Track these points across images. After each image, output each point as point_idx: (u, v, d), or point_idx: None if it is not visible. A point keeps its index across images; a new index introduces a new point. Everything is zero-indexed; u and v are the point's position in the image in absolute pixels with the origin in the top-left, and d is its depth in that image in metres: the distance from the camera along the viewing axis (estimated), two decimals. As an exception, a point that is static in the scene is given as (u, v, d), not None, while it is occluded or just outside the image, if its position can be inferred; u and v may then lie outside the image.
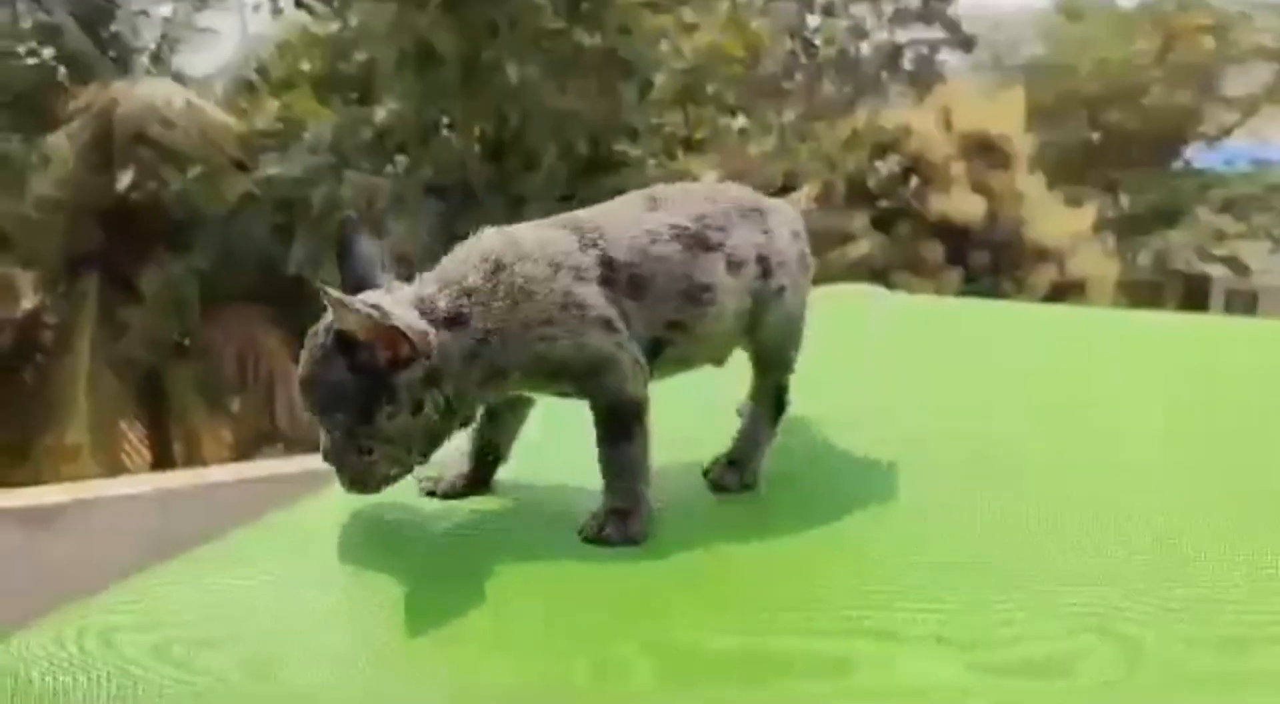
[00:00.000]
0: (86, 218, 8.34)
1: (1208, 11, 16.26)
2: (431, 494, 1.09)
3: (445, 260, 1.01)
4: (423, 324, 0.94)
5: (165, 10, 9.83)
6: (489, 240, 1.01)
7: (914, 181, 12.59)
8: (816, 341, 1.17)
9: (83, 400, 8.07)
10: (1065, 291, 12.42)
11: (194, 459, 8.53)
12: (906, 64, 16.79)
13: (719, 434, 1.15)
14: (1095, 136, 16.47)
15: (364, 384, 0.93)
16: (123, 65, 9.28)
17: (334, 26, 9.68)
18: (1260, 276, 15.66)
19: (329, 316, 0.94)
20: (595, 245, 1.02)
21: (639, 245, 1.03)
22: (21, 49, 8.93)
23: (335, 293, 0.89)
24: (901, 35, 16.61)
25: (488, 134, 8.86)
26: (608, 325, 1.00)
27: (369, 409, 0.94)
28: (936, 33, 16.53)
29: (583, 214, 1.07)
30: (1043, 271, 12.67)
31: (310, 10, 9.66)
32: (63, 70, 8.95)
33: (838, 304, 1.97)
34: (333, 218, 7.28)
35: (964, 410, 1.40)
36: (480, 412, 1.05)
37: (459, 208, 8.33)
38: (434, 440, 0.98)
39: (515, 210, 8.07)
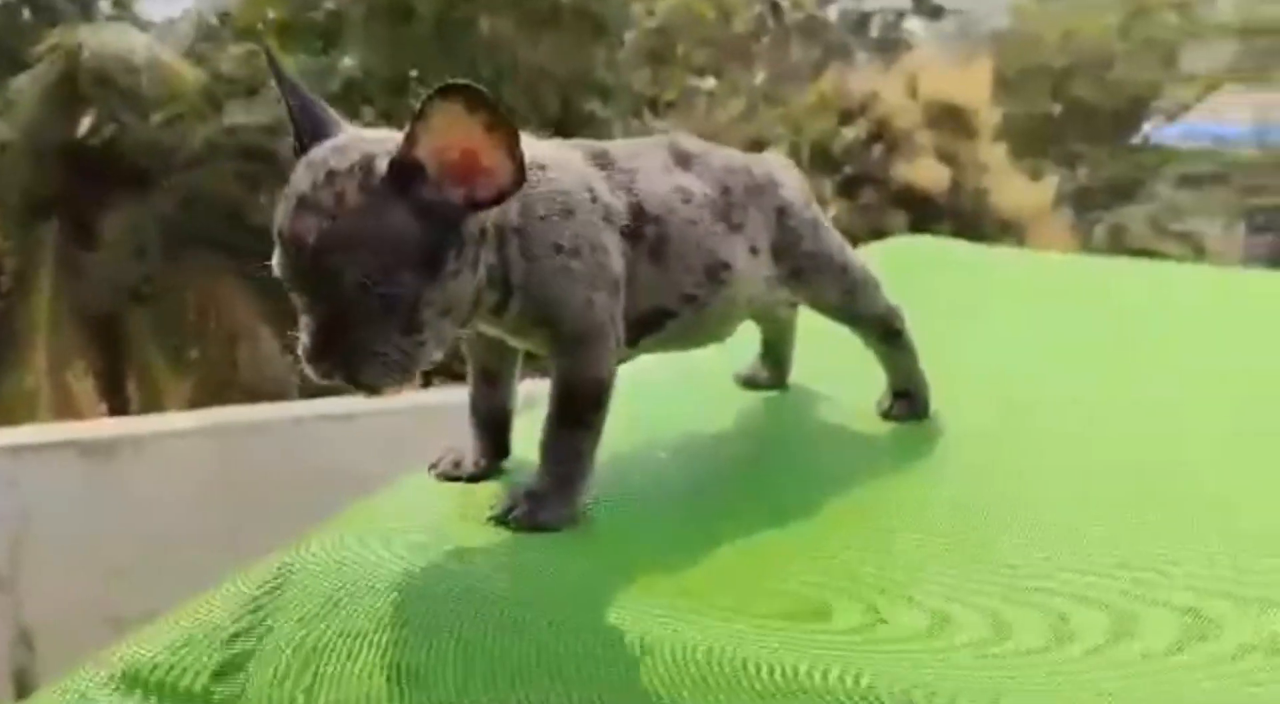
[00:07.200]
0: (47, 162, 8.22)
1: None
2: (454, 479, 0.92)
3: None
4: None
5: (126, -49, 9.62)
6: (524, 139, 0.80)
7: (878, 149, 12.62)
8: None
9: (41, 346, 8.01)
10: (1024, 263, 12.57)
11: (151, 407, 8.48)
12: (873, 30, 16.77)
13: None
14: (1056, 109, 16.61)
15: (433, 231, 0.70)
16: (84, 8, 9.09)
17: (301, -27, 9.50)
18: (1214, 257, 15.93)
19: (330, 151, 0.71)
20: (627, 189, 0.87)
21: (672, 202, 0.89)
22: (-18, -11, 8.73)
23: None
24: (869, 2, 16.59)
25: (457, 88, 8.78)
26: (615, 291, 0.84)
27: (438, 265, 0.71)
28: (903, 0, 16.54)
29: (609, 147, 0.90)
30: (1004, 244, 12.82)
31: (278, -44, 9.50)
32: (26, 13, 8.77)
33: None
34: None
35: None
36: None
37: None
38: (472, 314, 0.78)
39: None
